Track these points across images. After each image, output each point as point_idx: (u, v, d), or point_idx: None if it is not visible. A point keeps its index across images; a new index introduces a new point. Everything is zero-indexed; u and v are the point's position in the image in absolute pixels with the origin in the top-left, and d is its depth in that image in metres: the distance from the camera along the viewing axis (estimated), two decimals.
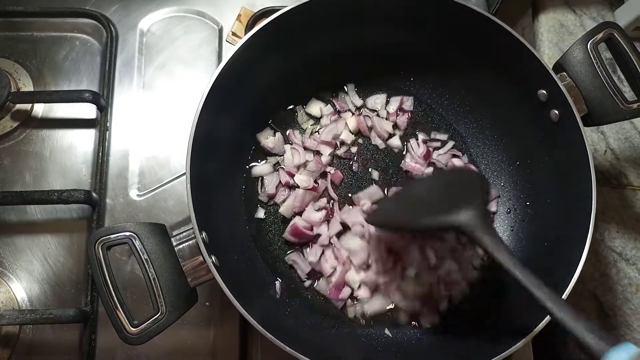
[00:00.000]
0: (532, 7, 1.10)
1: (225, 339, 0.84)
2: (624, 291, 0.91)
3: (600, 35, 0.78)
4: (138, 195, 0.90)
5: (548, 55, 1.03)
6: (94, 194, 0.88)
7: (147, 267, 0.63)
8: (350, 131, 0.94)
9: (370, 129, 0.94)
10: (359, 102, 0.96)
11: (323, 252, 0.86)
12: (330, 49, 0.88)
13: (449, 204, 0.64)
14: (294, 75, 0.89)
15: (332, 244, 0.86)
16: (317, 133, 0.94)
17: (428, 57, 0.91)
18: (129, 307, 0.63)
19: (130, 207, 0.89)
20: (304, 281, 0.85)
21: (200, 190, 0.69)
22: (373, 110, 0.96)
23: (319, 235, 0.86)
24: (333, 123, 0.93)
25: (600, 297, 0.91)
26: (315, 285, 0.85)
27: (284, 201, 0.88)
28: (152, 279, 0.63)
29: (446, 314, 0.84)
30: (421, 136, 0.95)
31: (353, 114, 0.95)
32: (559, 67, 0.80)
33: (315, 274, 0.86)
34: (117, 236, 0.64)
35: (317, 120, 0.95)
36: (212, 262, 0.65)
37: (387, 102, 0.97)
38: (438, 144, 0.95)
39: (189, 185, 0.67)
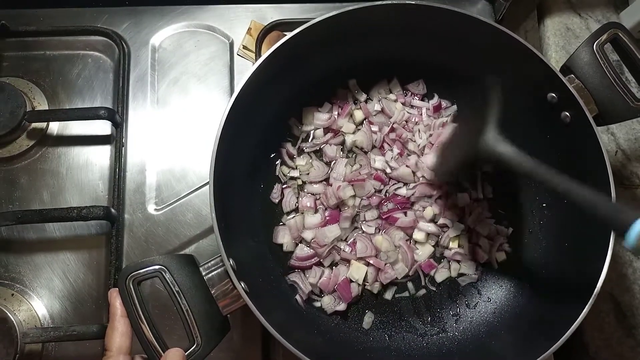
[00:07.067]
0: (537, 12, 1.11)
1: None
2: None
3: (605, 36, 0.79)
4: (156, 209, 0.91)
5: (555, 59, 1.04)
6: (113, 210, 0.88)
7: (179, 299, 0.64)
8: (354, 123, 0.94)
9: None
10: (362, 97, 0.96)
11: (323, 273, 0.86)
12: (336, 63, 0.89)
13: (473, 140, 0.70)
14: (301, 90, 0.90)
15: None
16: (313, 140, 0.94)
17: (435, 66, 0.92)
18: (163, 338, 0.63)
19: (148, 221, 0.90)
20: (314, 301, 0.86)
21: (224, 217, 0.69)
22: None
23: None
24: (332, 118, 0.94)
25: (617, 297, 0.92)
26: (321, 305, 0.84)
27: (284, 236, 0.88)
28: (185, 311, 0.63)
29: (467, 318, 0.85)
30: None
31: (357, 107, 0.96)
32: (566, 69, 0.81)
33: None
34: (147, 270, 0.64)
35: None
36: (242, 288, 0.65)
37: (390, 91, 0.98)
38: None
39: (214, 215, 0.67)
